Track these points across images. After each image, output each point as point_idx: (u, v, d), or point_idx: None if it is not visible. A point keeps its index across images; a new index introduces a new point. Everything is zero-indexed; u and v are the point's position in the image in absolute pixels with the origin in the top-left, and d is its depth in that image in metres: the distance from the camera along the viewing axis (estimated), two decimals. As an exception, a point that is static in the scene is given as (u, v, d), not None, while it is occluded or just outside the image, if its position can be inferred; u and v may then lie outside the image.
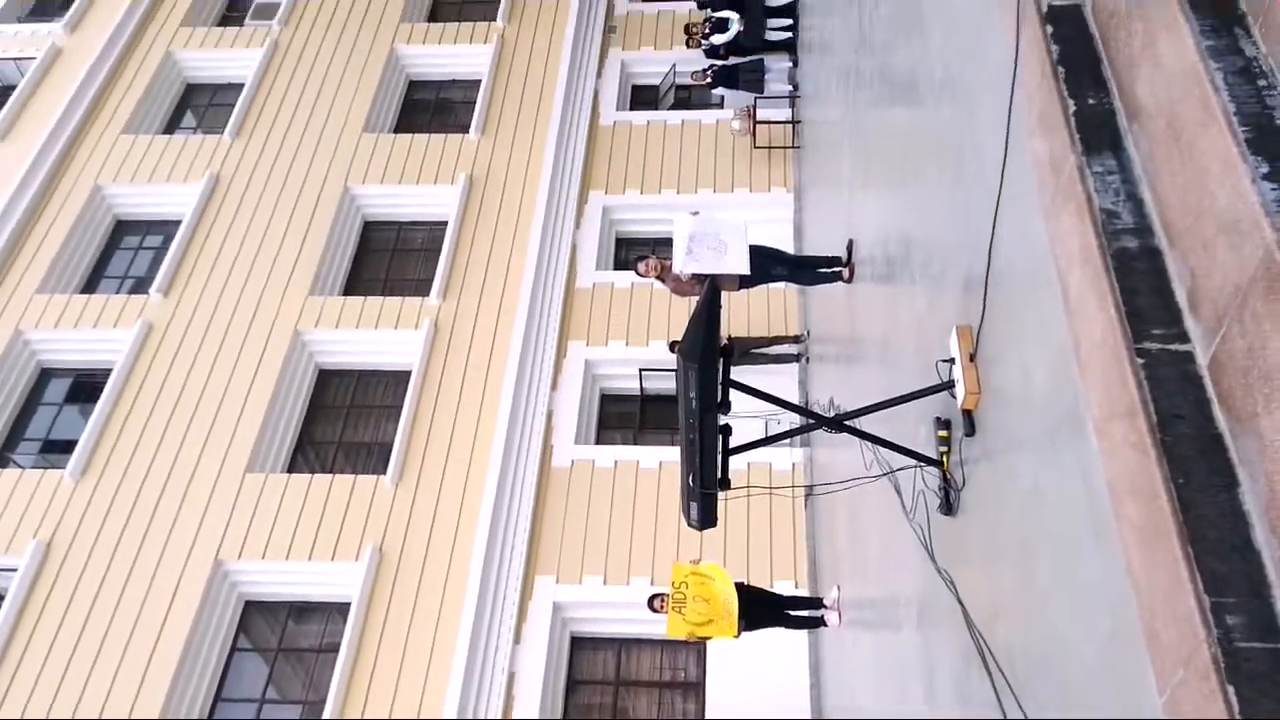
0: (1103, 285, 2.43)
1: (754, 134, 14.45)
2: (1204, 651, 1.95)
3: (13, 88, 16.84)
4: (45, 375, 13.75)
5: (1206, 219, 2.15)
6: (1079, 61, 2.78)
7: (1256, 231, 1.94)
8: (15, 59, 17.31)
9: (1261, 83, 2.12)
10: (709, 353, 4.09)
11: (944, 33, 4.79)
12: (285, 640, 11.40)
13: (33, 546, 11.42)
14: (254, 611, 11.53)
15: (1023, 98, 3.08)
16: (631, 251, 14.30)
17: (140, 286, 14.29)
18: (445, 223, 14.32)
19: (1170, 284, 2.32)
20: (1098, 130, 2.62)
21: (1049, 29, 2.88)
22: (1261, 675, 1.88)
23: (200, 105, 17.11)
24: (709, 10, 15.20)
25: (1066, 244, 2.69)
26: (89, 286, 14.57)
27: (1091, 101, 2.67)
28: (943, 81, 4.87)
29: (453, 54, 16.89)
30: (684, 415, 4.30)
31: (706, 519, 4.66)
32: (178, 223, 14.68)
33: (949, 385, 3.98)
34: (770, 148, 14.47)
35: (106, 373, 13.02)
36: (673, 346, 11.94)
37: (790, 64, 14.66)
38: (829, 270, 8.40)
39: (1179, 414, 2.19)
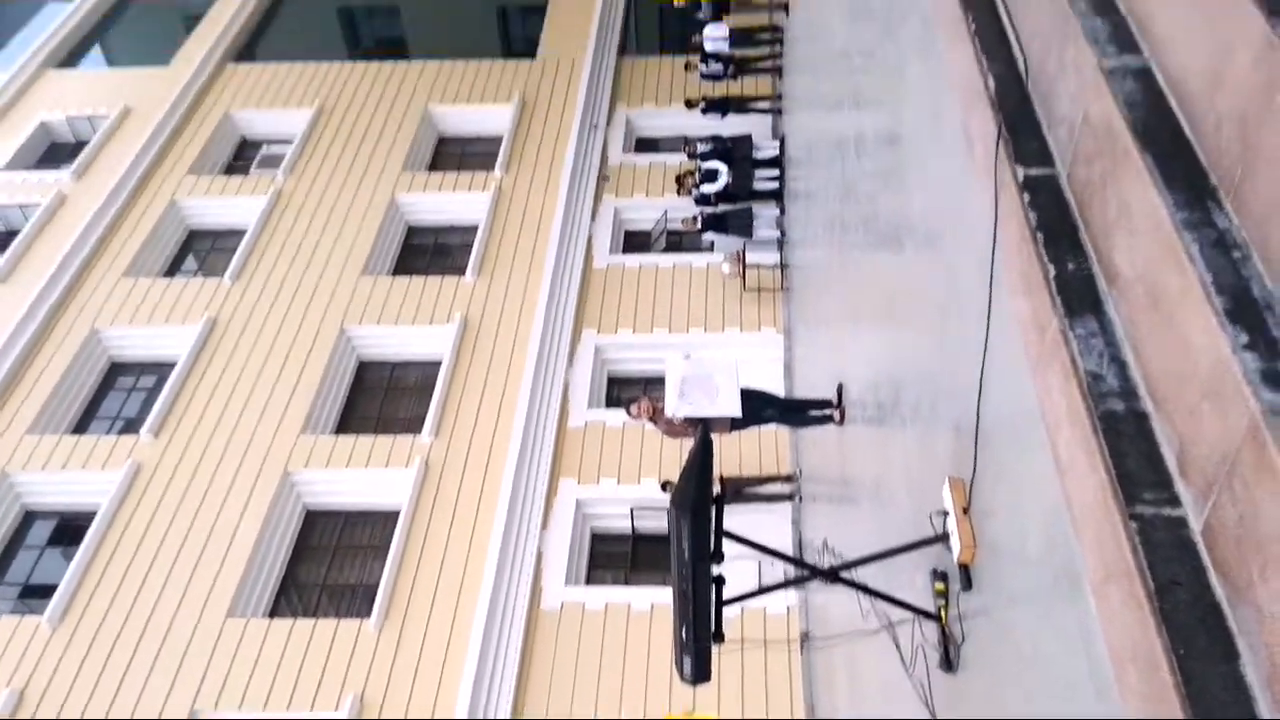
0: (1092, 447, 2.45)
1: (743, 277, 14.74)
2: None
3: (18, 232, 17.19)
4: (29, 518, 13.56)
5: (1190, 385, 2.19)
6: (1056, 227, 2.87)
7: (1241, 401, 1.96)
8: (21, 205, 17.70)
9: (1236, 254, 2.18)
10: (701, 503, 4.07)
11: (926, 191, 4.96)
12: (261, 797, 10.92)
13: (4, 696, 11.04)
14: (229, 766, 11.08)
15: (1003, 259, 3.17)
16: (623, 390, 14.39)
17: (131, 427, 14.25)
18: (439, 362, 14.44)
19: (1159, 448, 2.33)
20: (1078, 294, 2.68)
21: (1026, 196, 2.98)
22: None
23: (202, 249, 17.47)
24: (699, 161, 15.72)
25: (1054, 404, 2.72)
26: (80, 427, 14.53)
27: (1071, 266, 2.74)
28: (926, 235, 5.00)
29: (452, 201, 17.36)
30: (676, 566, 4.25)
31: (700, 673, 4.53)
32: (172, 364, 14.76)
33: (943, 538, 3.95)
34: (759, 290, 14.74)
35: (91, 515, 12.86)
36: (664, 486, 11.88)
37: (778, 211, 15.09)
38: (820, 413, 8.44)
39: (1176, 580, 2.17)
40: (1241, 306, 2.08)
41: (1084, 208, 2.82)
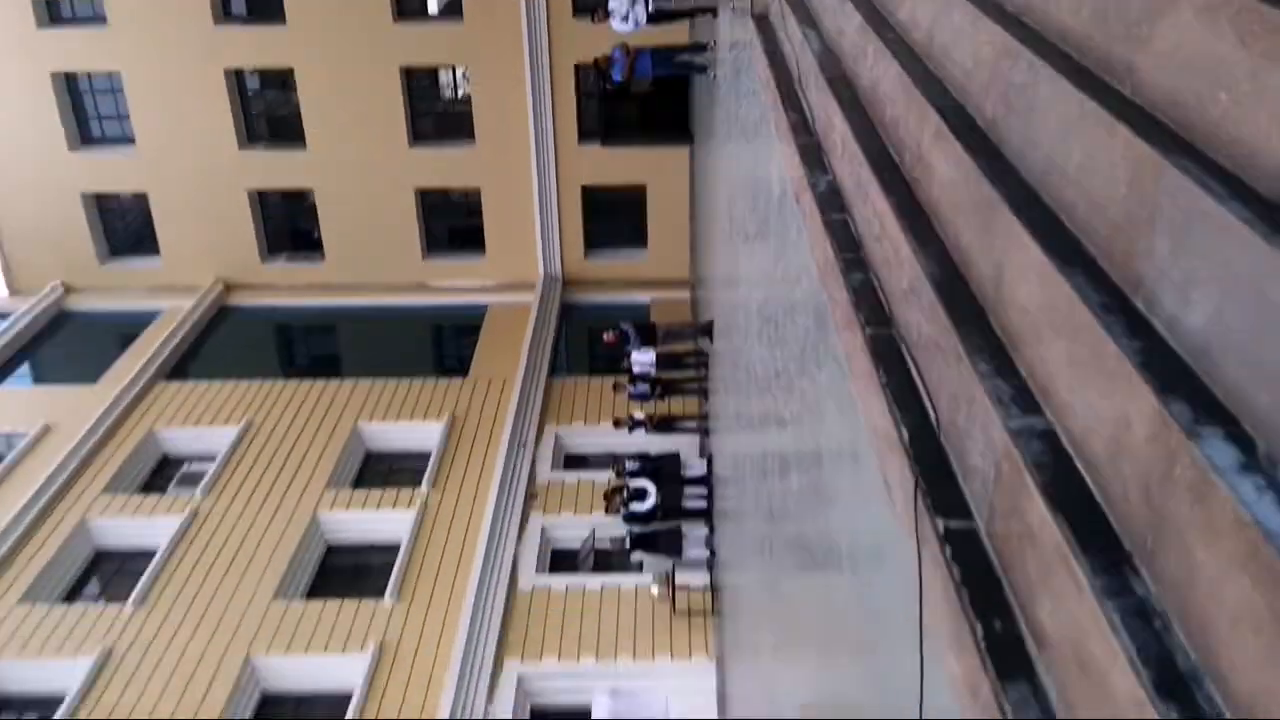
0: (1041, 828, 2.29)
1: (673, 599, 14.46)
2: None
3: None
4: None
5: (1133, 765, 2.08)
6: (981, 583, 2.84)
7: (1185, 789, 1.87)
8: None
9: (1157, 623, 2.16)
10: None
11: (851, 528, 4.99)
12: None
13: None
14: None
15: (930, 613, 3.12)
16: (549, 725, 13.59)
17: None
18: (349, 696, 13.55)
19: (1110, 832, 2.18)
20: (1007, 655, 2.62)
21: (948, 549, 2.99)
22: None
23: (108, 572, 16.68)
24: (627, 479, 15.88)
25: (997, 776, 2.57)
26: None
27: (998, 626, 2.69)
28: (854, 572, 4.98)
29: (375, 519, 17.08)
30: None
31: None
32: (60, 700, 13.61)
33: None
34: (689, 613, 14.41)
35: None
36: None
37: (707, 530, 15.10)
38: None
39: None
40: (1169, 680, 2.03)
41: (1006, 564, 2.82)
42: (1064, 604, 2.43)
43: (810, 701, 6.50)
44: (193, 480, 17.98)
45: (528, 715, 13.85)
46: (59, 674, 14.01)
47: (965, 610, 2.82)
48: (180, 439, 19.33)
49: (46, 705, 13.82)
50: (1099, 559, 2.32)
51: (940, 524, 3.09)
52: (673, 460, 16.26)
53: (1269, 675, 1.82)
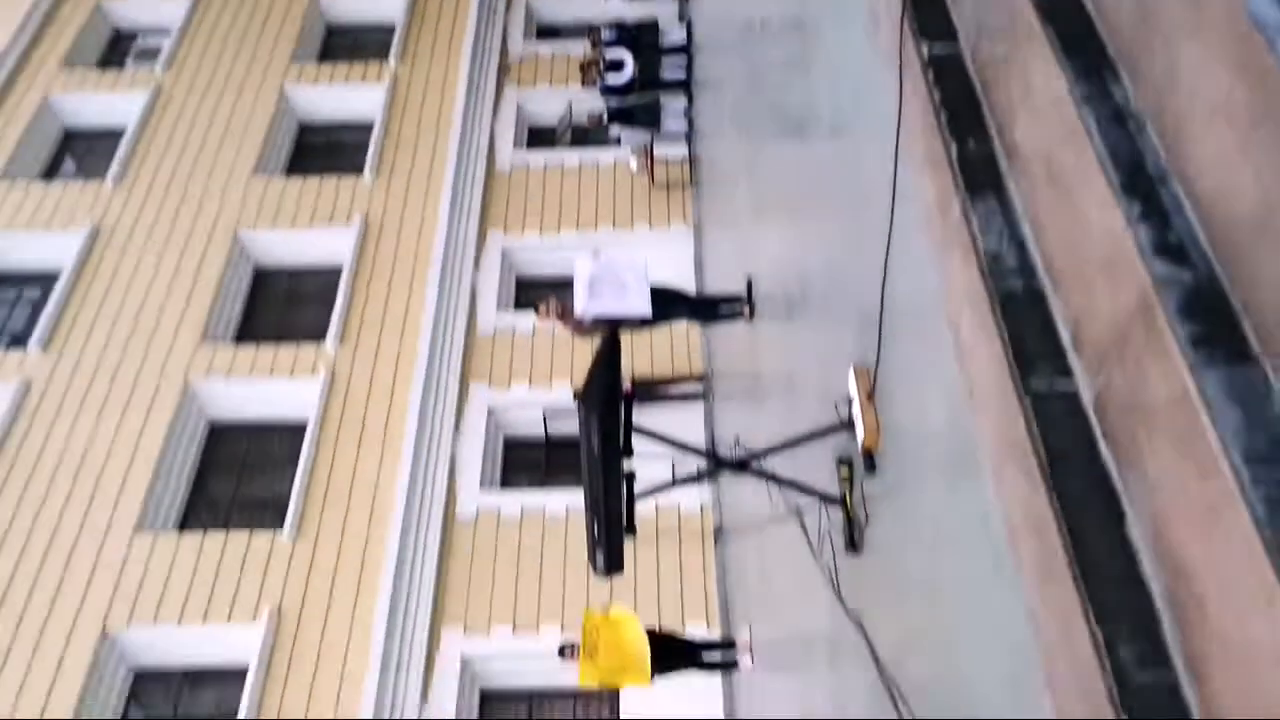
0: (990, 326, 2.47)
1: (651, 172, 14.56)
2: (1099, 685, 1.97)
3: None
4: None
5: (1086, 260, 2.20)
6: (960, 106, 2.83)
7: (1132, 272, 1.98)
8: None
9: (1131, 125, 2.17)
10: (610, 400, 4.05)
11: (832, 75, 4.89)
12: (180, 709, 10.87)
13: (-101, 623, 10.69)
14: (144, 682, 10.96)
15: (908, 140, 3.14)
16: (533, 293, 14.20)
17: (18, 341, 13.61)
18: (339, 267, 14.03)
19: (1055, 324, 2.36)
20: (980, 172, 2.67)
21: (930, 74, 2.94)
22: (1155, 706, 1.90)
23: (80, 151, 16.48)
24: (603, 50, 15.28)
25: (955, 285, 2.73)
26: (-40, 345, 13.82)
27: (973, 145, 2.72)
28: (833, 121, 4.96)
29: (345, 95, 16.64)
30: (586, 463, 4.25)
31: (613, 565, 4.59)
32: (57, 274, 14.03)
33: (849, 425, 4.01)
34: (668, 185, 14.60)
35: (-20, 433, 12.32)
36: (577, 395, 11.89)
37: (686, 102, 14.83)
38: (730, 309, 8.47)
39: (1067, 452, 2.22)
40: (1136, 179, 2.08)
41: (987, 85, 2.79)
42: (1040, 117, 2.43)
43: (785, 258, 6.77)
44: (150, 55, 17.24)
45: (513, 286, 14.50)
46: (51, 250, 14.31)
47: (942, 131, 2.83)
48: (129, 10, 18.16)
49: (43, 280, 14.27)
50: (1082, 67, 2.28)
51: (925, 49, 3.01)
52: (650, 28, 15.52)
53: (1233, 172, 1.86)
